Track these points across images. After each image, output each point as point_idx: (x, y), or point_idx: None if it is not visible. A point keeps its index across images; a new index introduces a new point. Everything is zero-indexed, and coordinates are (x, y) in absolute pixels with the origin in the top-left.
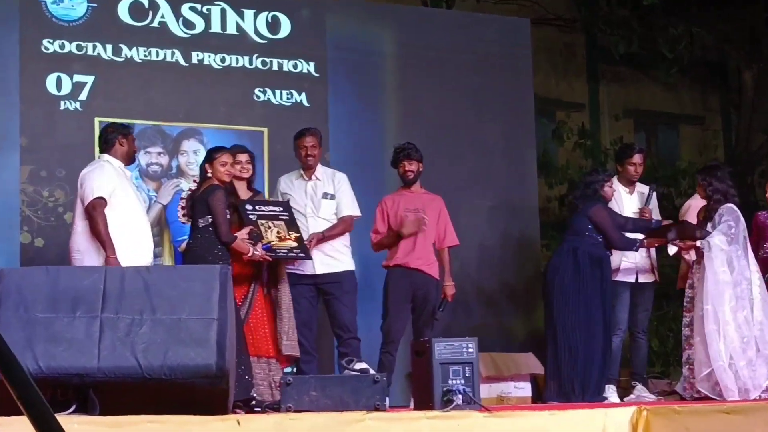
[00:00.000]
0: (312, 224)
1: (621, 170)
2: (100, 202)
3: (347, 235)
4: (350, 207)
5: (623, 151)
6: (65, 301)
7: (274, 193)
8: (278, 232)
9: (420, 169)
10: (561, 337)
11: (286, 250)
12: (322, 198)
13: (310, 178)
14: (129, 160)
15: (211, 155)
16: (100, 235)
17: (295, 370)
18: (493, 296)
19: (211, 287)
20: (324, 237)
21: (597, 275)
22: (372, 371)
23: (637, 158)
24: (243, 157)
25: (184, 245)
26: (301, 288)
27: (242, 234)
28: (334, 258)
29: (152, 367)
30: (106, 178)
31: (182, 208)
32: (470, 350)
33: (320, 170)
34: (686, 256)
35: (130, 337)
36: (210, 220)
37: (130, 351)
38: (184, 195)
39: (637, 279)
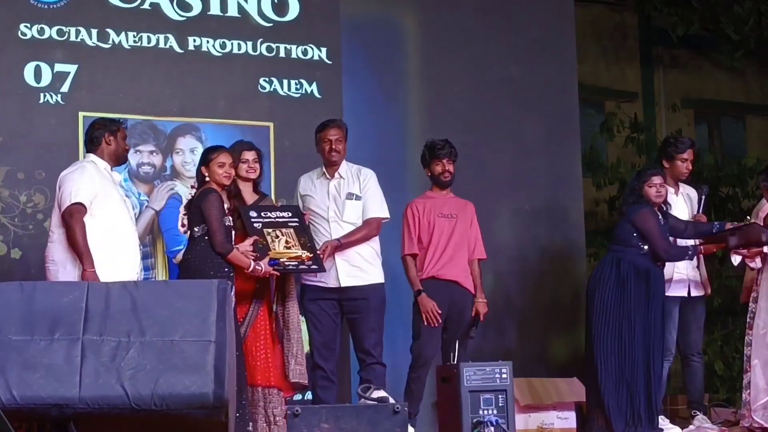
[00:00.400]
0: (335, 230)
1: (669, 167)
2: (79, 209)
3: (377, 241)
4: (377, 208)
5: (674, 146)
6: (42, 321)
7: (293, 196)
8: (287, 242)
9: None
10: (600, 361)
11: (296, 263)
12: (347, 199)
13: (332, 177)
14: (118, 160)
15: (206, 156)
16: (77, 245)
17: (310, 396)
18: (531, 313)
19: (208, 305)
20: (341, 244)
21: (643, 290)
22: (392, 400)
23: (689, 153)
24: (250, 155)
25: (179, 256)
26: (323, 303)
27: (245, 246)
28: (360, 269)
29: (141, 396)
30: (86, 181)
31: (184, 216)
32: (504, 375)
33: (344, 167)
34: (752, 265)
35: (116, 363)
36: (205, 229)
37: (115, 378)
38: (185, 203)
39: (689, 293)
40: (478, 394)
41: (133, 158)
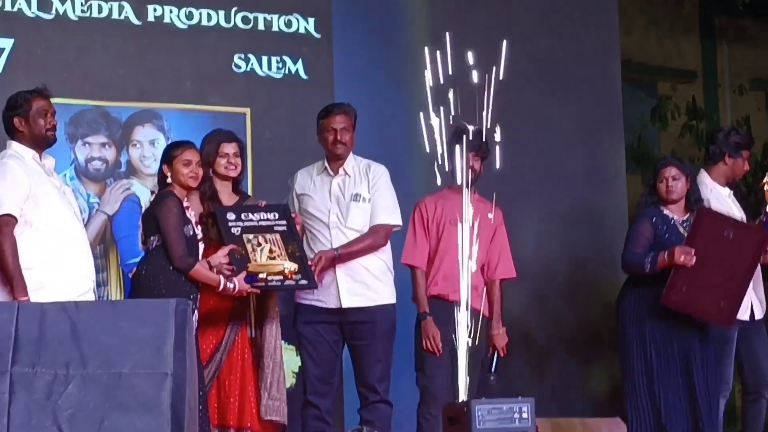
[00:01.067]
0: (337, 238)
1: (729, 164)
2: (7, 221)
3: (388, 252)
4: (386, 213)
5: (743, 138)
6: None
7: (273, 196)
8: (271, 251)
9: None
10: (628, 397)
11: (280, 278)
12: (352, 201)
13: (336, 173)
14: (40, 143)
15: (169, 153)
16: (5, 267)
17: None
18: (562, 339)
19: (163, 330)
20: (339, 256)
21: (674, 313)
22: None
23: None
24: (230, 148)
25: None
26: (320, 327)
27: (218, 258)
28: (366, 287)
29: None
30: (10, 183)
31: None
32: (524, 415)
33: (351, 162)
34: None
35: (52, 401)
36: (161, 240)
37: (51, 419)
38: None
39: (752, 315)
40: None
41: (80, 151)
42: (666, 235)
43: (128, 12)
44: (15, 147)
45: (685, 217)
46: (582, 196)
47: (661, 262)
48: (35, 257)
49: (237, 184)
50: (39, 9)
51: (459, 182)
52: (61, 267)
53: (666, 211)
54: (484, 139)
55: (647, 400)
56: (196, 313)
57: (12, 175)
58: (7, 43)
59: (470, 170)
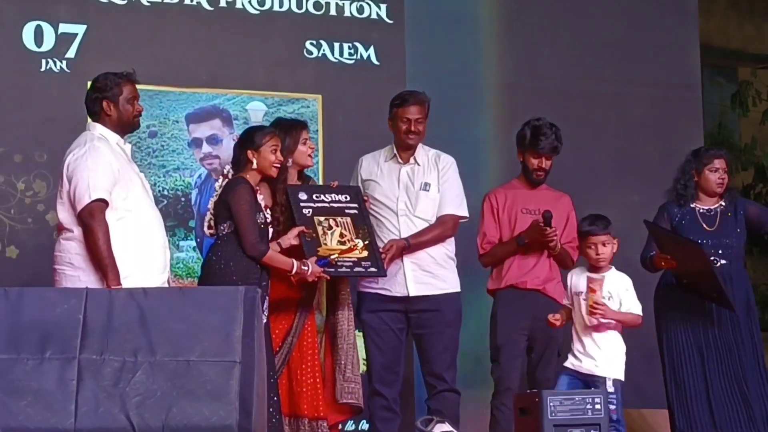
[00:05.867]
0: (405, 226)
1: None
2: (100, 207)
3: (452, 242)
4: (455, 204)
5: None
6: (31, 336)
7: (351, 179)
8: (341, 235)
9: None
10: (675, 391)
11: (350, 264)
12: (421, 190)
13: (406, 162)
14: (125, 128)
15: (254, 139)
16: (99, 255)
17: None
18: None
19: (232, 317)
20: (410, 245)
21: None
22: None
23: None
24: (307, 136)
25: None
26: (385, 315)
27: (289, 239)
28: (433, 275)
29: (150, 428)
30: (103, 168)
31: (210, 213)
32: (597, 406)
33: (421, 152)
34: None
35: (120, 388)
36: (233, 227)
37: (119, 407)
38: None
39: None
40: (565, 429)
41: None
42: (683, 222)
43: None
44: (100, 130)
45: (714, 206)
46: (657, 184)
47: (657, 264)
48: (118, 245)
49: (302, 169)
50: None
51: (533, 180)
52: (140, 257)
53: (693, 204)
54: (558, 139)
55: (699, 393)
56: (267, 299)
57: (103, 158)
58: (80, 29)
59: (541, 172)
